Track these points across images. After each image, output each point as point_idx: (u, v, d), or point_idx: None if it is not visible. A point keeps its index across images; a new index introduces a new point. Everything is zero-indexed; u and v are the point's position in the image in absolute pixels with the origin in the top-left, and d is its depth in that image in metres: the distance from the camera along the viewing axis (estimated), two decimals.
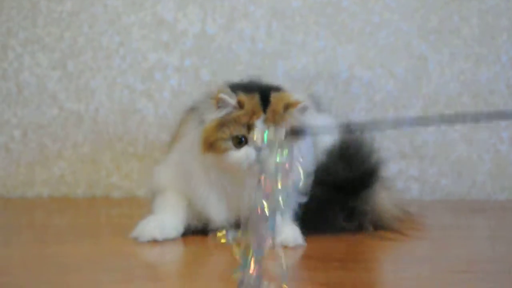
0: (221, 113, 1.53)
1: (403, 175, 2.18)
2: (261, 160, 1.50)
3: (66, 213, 1.97)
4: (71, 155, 2.16)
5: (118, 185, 2.17)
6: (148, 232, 1.55)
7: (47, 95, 2.16)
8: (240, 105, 1.53)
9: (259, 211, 1.25)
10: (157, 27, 2.17)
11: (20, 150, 2.16)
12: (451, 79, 2.19)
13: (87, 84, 2.16)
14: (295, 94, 1.58)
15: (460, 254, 1.53)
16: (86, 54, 2.16)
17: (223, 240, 1.22)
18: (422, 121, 1.57)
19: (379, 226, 1.66)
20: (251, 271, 1.11)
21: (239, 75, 2.10)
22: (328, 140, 1.69)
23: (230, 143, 1.52)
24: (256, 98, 1.54)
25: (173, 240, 1.56)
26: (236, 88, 1.56)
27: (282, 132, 1.49)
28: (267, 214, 1.42)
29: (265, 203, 1.37)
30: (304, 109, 1.55)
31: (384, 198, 1.71)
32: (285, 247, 1.51)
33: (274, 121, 1.53)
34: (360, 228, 1.63)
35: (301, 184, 1.58)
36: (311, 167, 1.60)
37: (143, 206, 2.05)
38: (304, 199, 1.60)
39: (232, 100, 1.53)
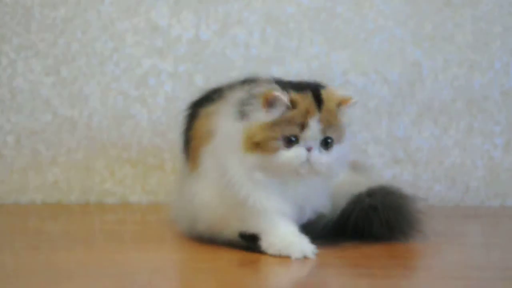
0: (272, 114, 1.45)
1: (397, 181, 2.18)
2: (311, 161, 1.45)
3: (59, 220, 1.96)
4: (65, 161, 2.16)
5: (112, 191, 2.17)
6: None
7: (41, 101, 2.15)
8: (293, 104, 1.46)
9: None
10: (151, 33, 2.16)
11: (13, 156, 2.15)
12: (445, 85, 2.19)
13: (80, 90, 2.16)
14: (340, 89, 1.53)
15: (453, 261, 1.53)
16: (80, 60, 2.16)
17: None
18: None
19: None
20: None
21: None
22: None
23: (280, 143, 1.45)
24: (309, 96, 1.47)
25: None
26: (283, 86, 1.48)
27: (337, 129, 1.48)
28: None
29: None
30: (354, 105, 1.51)
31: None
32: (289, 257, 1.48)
33: (328, 120, 1.47)
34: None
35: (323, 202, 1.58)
36: (326, 207, 1.59)
37: (136, 212, 2.06)
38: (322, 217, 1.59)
39: (285, 98, 1.45)
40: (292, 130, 1.45)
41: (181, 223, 1.66)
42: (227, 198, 1.50)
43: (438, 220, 1.98)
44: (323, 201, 1.55)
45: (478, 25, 2.19)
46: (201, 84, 2.15)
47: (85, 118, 2.16)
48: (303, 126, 1.46)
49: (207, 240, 1.57)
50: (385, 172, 2.18)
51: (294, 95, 1.47)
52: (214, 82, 2.13)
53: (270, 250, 1.49)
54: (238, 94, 1.53)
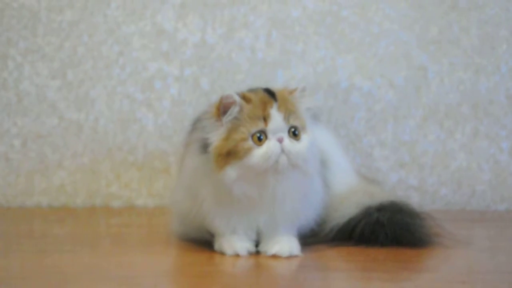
0: (230, 116, 1.47)
1: (403, 185, 2.18)
2: (286, 150, 1.45)
3: (66, 223, 1.97)
4: (71, 165, 2.16)
5: (118, 194, 2.17)
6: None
7: (47, 104, 2.16)
8: (247, 99, 1.48)
9: None
10: (157, 36, 2.17)
11: (20, 160, 2.16)
12: (450, 89, 2.19)
13: (87, 94, 2.16)
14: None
15: (459, 264, 1.53)
16: (86, 63, 2.16)
17: None
18: None
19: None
20: None
21: (239, 84, 2.12)
22: (342, 182, 1.68)
23: (251, 142, 1.45)
24: (260, 91, 1.50)
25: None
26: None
27: (298, 116, 1.49)
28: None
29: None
30: (304, 90, 1.51)
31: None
32: (279, 257, 1.51)
33: (286, 107, 1.48)
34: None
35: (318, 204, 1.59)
36: (322, 208, 1.60)
37: (142, 215, 2.06)
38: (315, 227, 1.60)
39: (235, 96, 1.47)
40: (257, 125, 1.46)
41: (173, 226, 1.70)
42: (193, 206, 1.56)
43: (444, 224, 1.98)
44: (306, 203, 1.56)
45: (484, 29, 2.19)
46: (207, 88, 2.16)
47: (91, 122, 2.16)
48: (265, 118, 1.47)
49: (211, 244, 1.57)
50: (390, 176, 2.18)
51: (244, 93, 1.50)
52: (219, 85, 2.15)
53: (215, 246, 1.56)
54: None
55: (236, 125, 1.47)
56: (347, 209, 1.66)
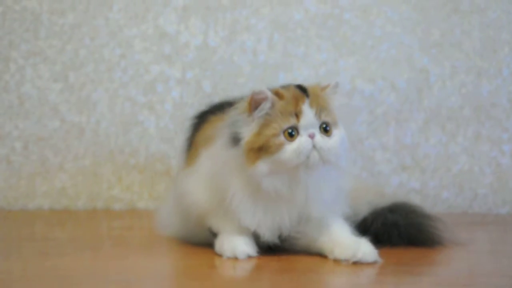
0: (261, 112, 1.47)
1: (404, 188, 2.18)
2: (317, 146, 1.45)
3: (67, 225, 1.97)
4: (72, 167, 2.16)
5: (119, 197, 2.17)
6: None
7: (49, 107, 2.16)
8: (279, 95, 1.48)
9: None
10: (159, 39, 2.17)
11: (21, 162, 2.16)
12: (452, 92, 2.19)
13: (88, 97, 2.17)
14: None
15: (461, 267, 1.53)
16: (88, 66, 2.17)
17: None
18: None
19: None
20: None
21: (241, 87, 2.12)
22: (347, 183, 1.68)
23: (282, 138, 1.45)
24: (292, 87, 1.50)
25: None
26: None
27: (330, 112, 1.49)
28: None
29: None
30: (336, 87, 1.52)
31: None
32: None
33: (318, 103, 1.48)
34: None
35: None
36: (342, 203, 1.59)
37: (144, 218, 2.06)
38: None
39: (267, 92, 1.47)
40: (289, 121, 1.46)
41: (169, 226, 1.69)
42: (214, 199, 1.54)
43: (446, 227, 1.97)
44: (337, 197, 1.55)
45: (486, 32, 2.19)
46: (209, 91, 2.16)
47: (92, 125, 2.16)
48: (297, 114, 1.47)
49: (211, 246, 1.57)
50: (392, 179, 2.18)
51: (276, 89, 1.49)
52: (221, 88, 2.15)
53: (215, 247, 1.56)
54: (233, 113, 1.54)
55: (268, 121, 1.47)
56: (359, 208, 1.66)
